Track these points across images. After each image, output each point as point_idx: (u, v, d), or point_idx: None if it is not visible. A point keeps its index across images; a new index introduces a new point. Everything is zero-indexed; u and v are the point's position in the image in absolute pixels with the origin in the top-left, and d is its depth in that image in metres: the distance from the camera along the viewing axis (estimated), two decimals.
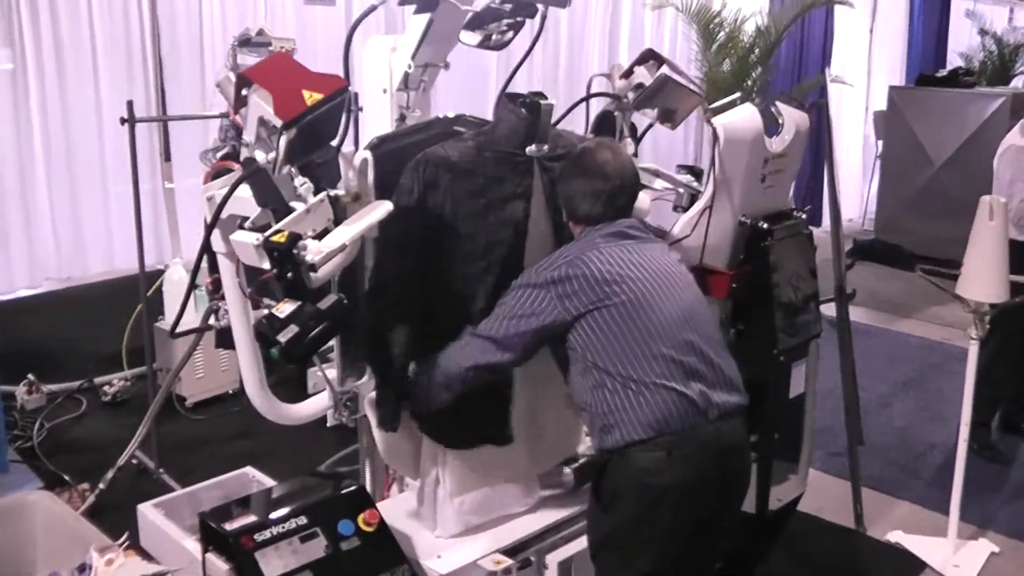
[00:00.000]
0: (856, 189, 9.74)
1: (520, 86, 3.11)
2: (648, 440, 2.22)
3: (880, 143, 8.86)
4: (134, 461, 4.08)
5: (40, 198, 5.91)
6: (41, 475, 3.97)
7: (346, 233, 2.06)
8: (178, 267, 4.76)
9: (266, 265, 2.06)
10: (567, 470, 2.83)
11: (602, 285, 2.27)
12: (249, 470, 2.94)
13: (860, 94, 9.74)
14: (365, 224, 2.09)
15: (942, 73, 8.48)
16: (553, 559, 2.62)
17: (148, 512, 2.69)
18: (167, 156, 5.51)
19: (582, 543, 2.66)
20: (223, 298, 2.63)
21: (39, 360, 5.05)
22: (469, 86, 6.58)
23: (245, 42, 4.39)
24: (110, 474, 3.61)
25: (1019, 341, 4.31)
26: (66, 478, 3.87)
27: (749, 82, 6.91)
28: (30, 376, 4.78)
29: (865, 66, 9.84)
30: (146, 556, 2.28)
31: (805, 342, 3.05)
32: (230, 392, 4.90)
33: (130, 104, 3.79)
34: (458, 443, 2.58)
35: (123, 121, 3.73)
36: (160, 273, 4.82)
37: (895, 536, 3.82)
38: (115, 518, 3.58)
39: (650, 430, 2.22)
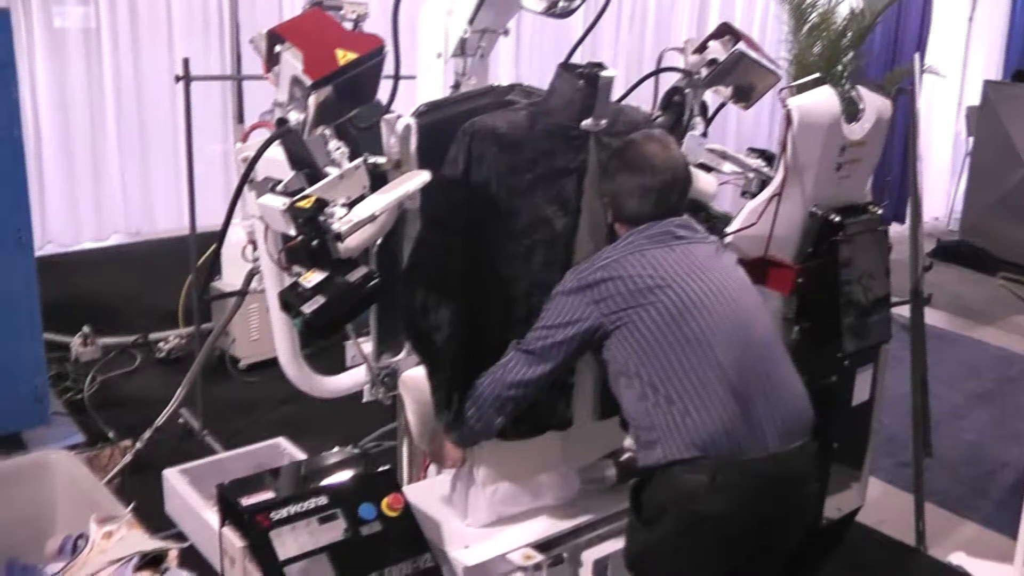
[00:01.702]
0: (943, 187, 9.32)
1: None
2: (691, 460, 2.05)
3: (971, 140, 8.44)
4: (181, 421, 4.07)
5: (110, 154, 5.98)
6: (87, 430, 3.96)
7: (378, 202, 1.94)
8: (238, 228, 4.70)
9: (292, 231, 1.95)
10: (611, 464, 2.68)
11: (642, 289, 2.11)
12: (281, 441, 2.86)
13: (953, 87, 9.30)
14: (399, 194, 1.97)
15: None
16: (589, 556, 2.49)
17: (172, 478, 2.63)
18: (240, 117, 5.49)
19: (621, 542, 2.54)
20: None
21: (97, 313, 5.09)
22: (551, 59, 6.43)
23: (317, 4, 4.29)
24: (147, 433, 3.59)
25: None
26: (109, 435, 3.86)
27: (840, 67, 6.62)
28: (85, 328, 4.80)
29: (961, 58, 9.39)
30: (170, 533, 2.20)
31: (873, 346, 2.85)
32: None
33: (186, 62, 3.74)
34: (520, 433, 2.44)
35: (178, 79, 3.68)
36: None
37: (957, 558, 3.60)
38: (154, 479, 3.56)
39: (694, 449, 2.04)
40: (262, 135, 2.25)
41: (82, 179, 5.91)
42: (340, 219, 1.89)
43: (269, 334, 4.70)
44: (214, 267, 2.45)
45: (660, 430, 2.07)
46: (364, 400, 2.65)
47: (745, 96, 2.88)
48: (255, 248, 2.68)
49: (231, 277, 4.68)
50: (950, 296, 6.50)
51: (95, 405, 4.30)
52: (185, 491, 2.55)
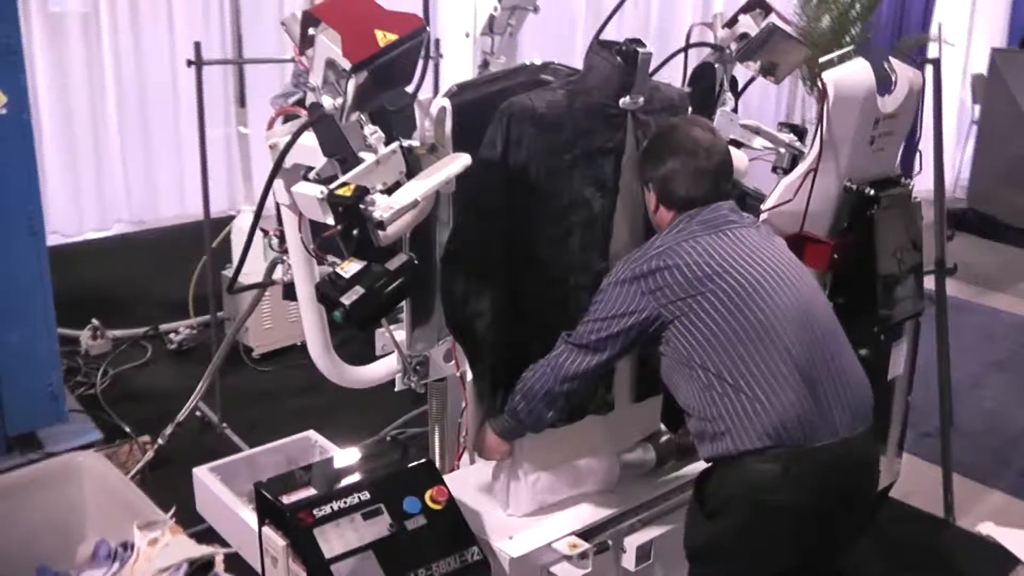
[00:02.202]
0: (949, 155, 9.27)
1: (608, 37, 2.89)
2: (764, 450, 1.98)
3: (977, 108, 8.38)
4: (197, 414, 4.01)
5: (111, 142, 5.91)
6: (102, 426, 3.90)
7: (419, 188, 1.88)
8: (247, 215, 4.66)
9: (330, 220, 1.89)
10: (650, 447, 2.64)
11: (700, 277, 2.03)
12: (312, 434, 2.81)
13: (959, 55, 9.22)
14: (441, 179, 1.91)
15: None
16: (632, 543, 2.45)
17: (204, 476, 2.57)
18: (242, 101, 5.41)
19: (663, 526, 2.51)
20: (288, 251, 2.49)
21: (105, 305, 5.01)
22: (555, 34, 6.34)
23: None
24: (169, 429, 3.52)
25: None
26: (127, 430, 3.80)
27: (848, 38, 6.55)
28: (94, 321, 4.73)
29: (966, 25, 9.31)
30: (196, 531, 2.15)
31: (906, 320, 2.81)
32: (298, 344, 4.79)
33: (197, 45, 3.65)
34: (562, 420, 2.38)
35: (190, 63, 3.60)
36: (231, 220, 4.72)
37: (986, 528, 3.55)
38: (176, 474, 3.50)
39: (766, 439, 1.98)
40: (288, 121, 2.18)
41: (84, 167, 5.84)
42: (381, 206, 1.83)
43: (282, 322, 4.76)
44: (241, 258, 2.36)
45: (729, 420, 2.00)
46: (397, 389, 2.60)
47: (774, 70, 2.83)
48: (268, 236, 2.61)
49: (245, 265, 4.62)
50: (960, 264, 6.44)
51: (109, 400, 4.22)
52: (219, 489, 2.49)
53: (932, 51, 3.83)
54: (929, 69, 3.38)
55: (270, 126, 2.23)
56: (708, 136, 2.18)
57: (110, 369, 4.53)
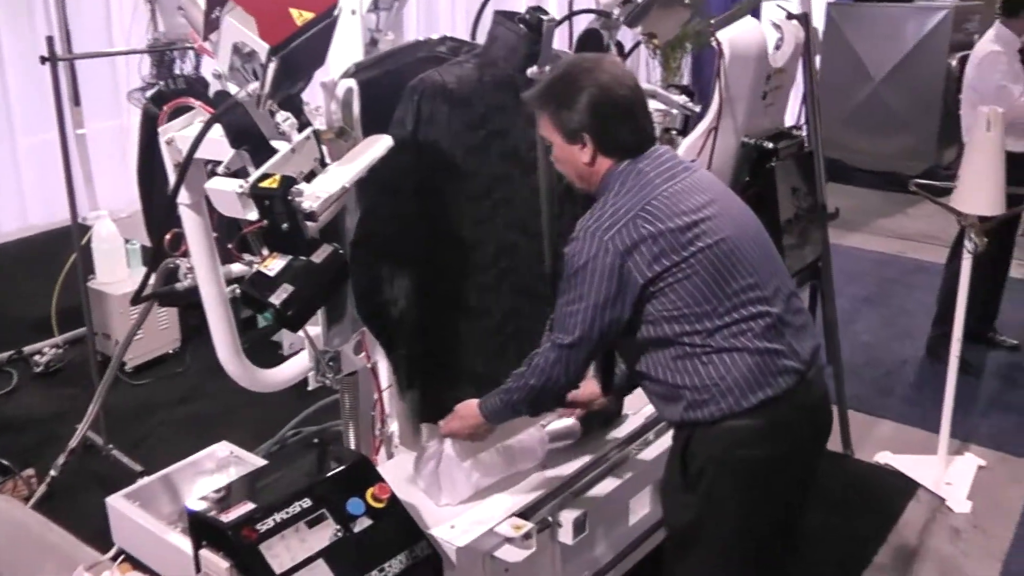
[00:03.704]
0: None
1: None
2: (749, 409, 1.94)
3: (818, 58, 8.73)
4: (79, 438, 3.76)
5: None
6: None
7: (345, 174, 1.78)
8: (106, 221, 4.39)
9: (252, 215, 1.77)
10: (572, 419, 2.62)
11: (682, 242, 1.89)
12: (224, 444, 2.66)
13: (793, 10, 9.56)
14: (366, 163, 1.82)
15: None
16: (567, 517, 2.42)
17: (120, 505, 2.38)
18: (76, 100, 5.07)
19: (594, 496, 2.50)
20: (184, 255, 2.33)
21: None
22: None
23: None
24: (61, 459, 3.27)
25: (990, 250, 4.23)
26: (6, 463, 3.52)
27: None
28: None
29: None
30: (141, 568, 1.98)
31: (813, 264, 2.89)
32: (171, 352, 4.58)
33: (50, 40, 3.39)
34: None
35: (43, 60, 3.33)
36: (80, 228, 4.42)
37: (884, 457, 3.75)
38: (68, 506, 3.29)
39: (752, 398, 1.93)
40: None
41: None
42: (309, 196, 1.72)
43: (153, 332, 4.51)
44: (149, 269, 2.19)
45: (713, 386, 1.93)
46: (310, 387, 2.50)
47: (656, 33, 2.82)
48: (173, 242, 2.44)
49: (107, 275, 4.36)
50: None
51: None
52: (140, 516, 2.32)
53: (793, 7, 3.92)
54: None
55: (161, 121, 2.07)
56: (625, 72, 2.04)
57: None
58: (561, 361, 2.00)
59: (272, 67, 1.67)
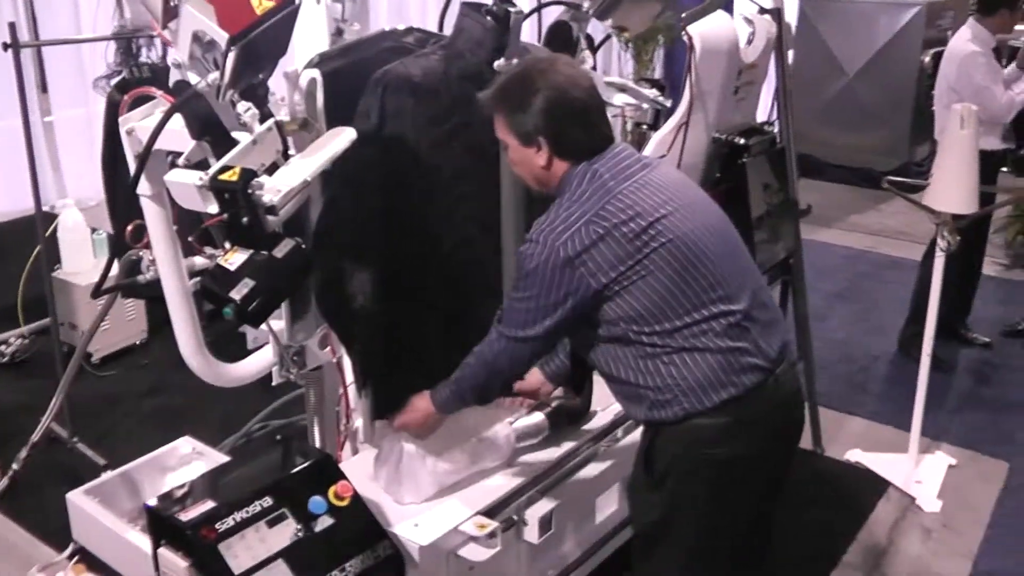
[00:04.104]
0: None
1: None
2: (713, 408, 1.92)
3: (790, 53, 8.74)
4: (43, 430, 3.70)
5: None
6: None
7: (307, 167, 1.75)
8: (72, 210, 4.32)
9: (212, 209, 1.73)
10: (540, 415, 2.60)
11: (636, 244, 1.87)
12: (187, 440, 2.61)
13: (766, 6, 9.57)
14: (328, 156, 1.78)
15: None
16: (533, 514, 2.39)
17: (79, 501, 2.34)
18: (44, 87, 4.99)
19: (561, 494, 2.46)
20: (147, 247, 2.29)
21: None
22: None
23: None
24: (23, 453, 3.22)
25: (964, 248, 4.25)
26: None
27: None
28: None
29: None
30: (98, 567, 1.93)
31: (784, 261, 2.89)
32: (138, 343, 4.53)
33: (12, 27, 3.33)
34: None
35: (6, 47, 3.27)
36: (46, 216, 4.35)
37: (854, 455, 3.75)
38: (31, 501, 3.25)
39: (715, 398, 1.91)
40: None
41: None
42: (270, 189, 1.68)
43: (120, 323, 4.46)
44: (109, 260, 2.15)
45: (676, 386, 1.92)
46: (274, 382, 2.46)
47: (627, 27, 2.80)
48: (135, 234, 2.39)
49: (73, 265, 4.30)
50: None
51: None
52: (99, 513, 2.27)
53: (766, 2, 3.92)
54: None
55: (122, 111, 2.02)
56: (581, 72, 2.02)
57: None
58: (506, 352, 2.03)
59: (231, 57, 1.63)
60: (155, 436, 2.91)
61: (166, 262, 2.14)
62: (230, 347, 2.56)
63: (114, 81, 3.65)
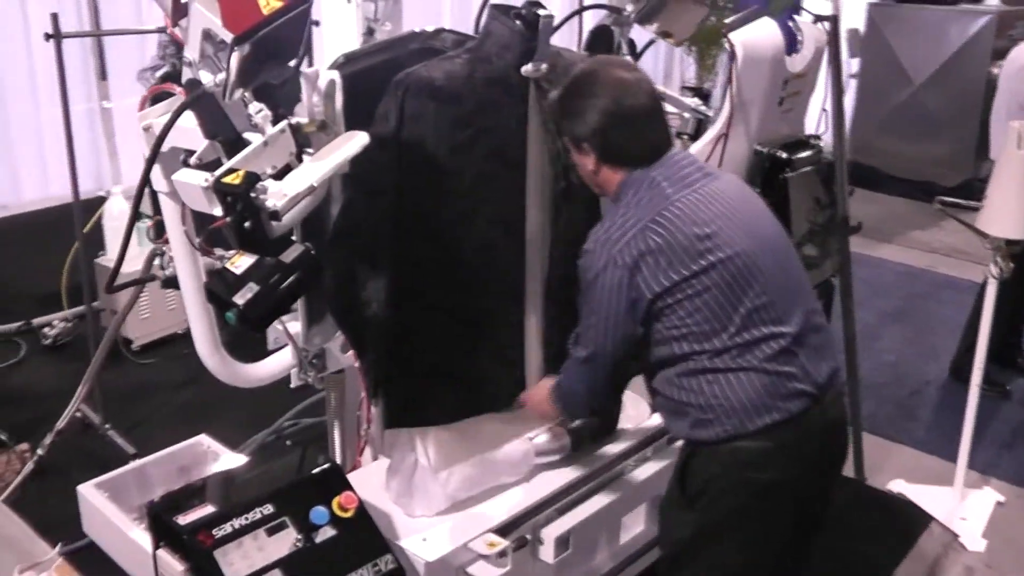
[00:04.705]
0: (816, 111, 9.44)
1: None
2: (755, 432, 1.87)
3: (855, 61, 8.52)
4: (78, 415, 3.72)
5: None
6: None
7: (315, 172, 1.70)
8: (118, 198, 4.35)
9: (217, 211, 1.70)
10: (563, 432, 2.52)
11: (692, 255, 1.84)
12: (204, 439, 2.60)
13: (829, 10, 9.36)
14: (337, 161, 1.73)
15: None
16: (549, 534, 2.33)
17: (90, 494, 2.34)
18: (103, 74, 5.06)
19: (581, 514, 2.40)
20: (168, 242, 2.27)
21: None
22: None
23: None
24: (49, 438, 3.24)
25: (1018, 275, 4.06)
26: (3, 438, 3.50)
27: None
28: None
29: None
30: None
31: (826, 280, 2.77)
32: (179, 332, 4.53)
33: (55, 17, 3.35)
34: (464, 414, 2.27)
35: (48, 37, 3.29)
36: (100, 201, 4.40)
37: (897, 486, 3.60)
38: (59, 485, 3.24)
39: (758, 422, 1.86)
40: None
41: None
42: (274, 194, 1.64)
43: (162, 312, 4.48)
44: (120, 257, 2.13)
45: (720, 406, 1.87)
46: (292, 385, 2.43)
47: (672, 32, 2.71)
48: (157, 229, 2.38)
49: (115, 252, 4.33)
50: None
51: None
52: (107, 509, 2.27)
53: (824, 9, 3.78)
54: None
55: (142, 106, 2.00)
56: (639, 77, 1.96)
57: None
58: (580, 376, 2.03)
59: (235, 56, 1.58)
60: (186, 428, 2.91)
61: (182, 259, 2.12)
62: (249, 346, 2.51)
63: (159, 73, 3.65)
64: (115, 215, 4.31)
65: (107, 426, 3.66)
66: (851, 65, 8.70)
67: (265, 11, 1.59)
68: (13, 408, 3.88)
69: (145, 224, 4.37)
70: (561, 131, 2.02)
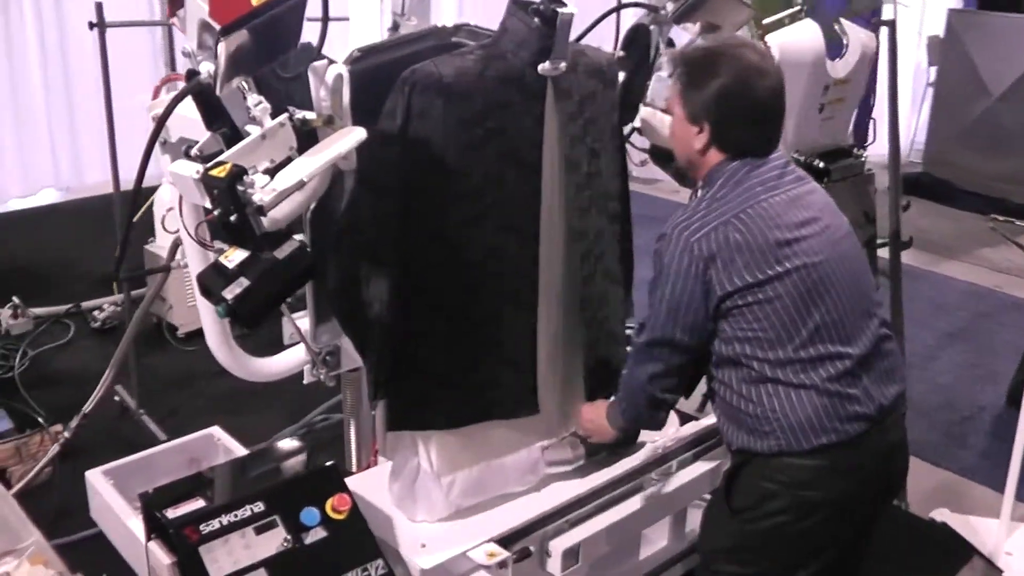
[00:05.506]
0: (904, 119, 9.16)
1: None
2: (811, 451, 1.83)
3: (933, 70, 8.25)
4: (116, 399, 3.79)
5: (35, 106, 5.73)
6: (13, 414, 3.64)
7: (306, 167, 1.67)
8: (167, 186, 4.38)
9: (209, 203, 1.67)
10: (577, 441, 2.45)
11: (769, 260, 1.81)
12: (216, 431, 2.60)
13: (914, 17, 9.09)
14: (331, 156, 1.70)
15: None
16: (557, 546, 2.26)
17: (96, 481, 2.36)
18: (172, 64, 5.14)
19: (593, 527, 2.33)
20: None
21: (28, 280, 4.78)
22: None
23: None
24: (75, 421, 3.28)
25: None
26: (39, 419, 3.56)
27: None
28: (15, 299, 4.47)
29: None
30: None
31: None
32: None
33: (99, 7, 3.40)
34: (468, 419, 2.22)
35: (91, 26, 3.33)
36: (156, 188, 4.46)
37: (940, 515, 3.44)
38: (88, 466, 3.28)
39: (813, 441, 1.82)
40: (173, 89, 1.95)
41: (6, 134, 5.59)
42: (262, 188, 1.61)
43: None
44: (122, 248, 2.13)
45: (778, 420, 1.84)
46: (305, 381, 2.40)
47: (714, 32, 2.62)
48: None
49: (165, 239, 4.37)
50: (913, 229, 6.24)
51: (27, 383, 3.96)
52: (110, 496, 2.28)
53: (887, 12, 3.67)
54: (884, 32, 3.20)
55: (156, 95, 2.00)
56: (775, 70, 1.91)
57: (29, 350, 4.27)
58: (640, 362, 1.98)
59: (222, 48, 1.56)
60: (221, 417, 2.91)
61: (191, 250, 2.11)
62: (264, 340, 2.50)
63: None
64: (166, 202, 4.36)
65: (141, 411, 3.71)
66: (929, 73, 8.45)
67: (254, 2, 1.56)
68: (55, 389, 3.96)
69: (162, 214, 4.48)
70: (677, 98, 1.94)
